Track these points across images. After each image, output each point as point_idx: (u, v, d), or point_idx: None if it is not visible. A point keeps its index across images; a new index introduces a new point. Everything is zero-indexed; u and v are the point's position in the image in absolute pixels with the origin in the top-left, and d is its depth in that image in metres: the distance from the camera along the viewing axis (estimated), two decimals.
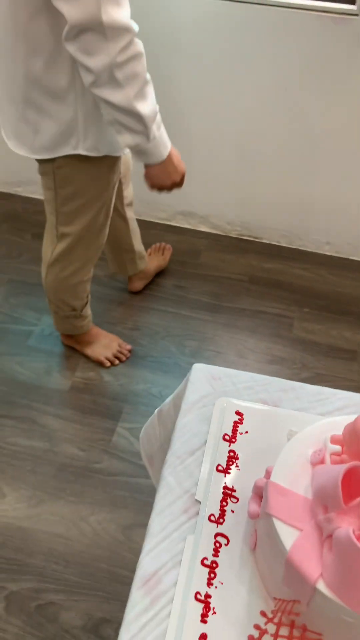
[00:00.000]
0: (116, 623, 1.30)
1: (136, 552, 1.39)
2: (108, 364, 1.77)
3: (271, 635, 0.59)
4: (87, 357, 1.79)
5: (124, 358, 1.79)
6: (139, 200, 1.86)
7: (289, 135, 1.92)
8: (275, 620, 0.59)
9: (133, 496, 1.50)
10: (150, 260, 2.01)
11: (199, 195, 2.16)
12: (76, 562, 1.39)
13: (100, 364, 1.77)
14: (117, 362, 1.78)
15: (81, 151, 1.23)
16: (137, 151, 1.14)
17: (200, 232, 2.24)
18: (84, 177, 1.31)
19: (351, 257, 2.15)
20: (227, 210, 2.17)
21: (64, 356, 1.81)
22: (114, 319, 1.92)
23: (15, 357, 1.80)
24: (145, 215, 2.23)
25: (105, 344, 1.78)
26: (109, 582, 1.36)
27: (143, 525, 1.44)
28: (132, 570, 1.35)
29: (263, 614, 0.61)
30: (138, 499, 1.49)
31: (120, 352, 1.79)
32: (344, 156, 1.92)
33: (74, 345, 1.80)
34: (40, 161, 1.31)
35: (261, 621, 0.61)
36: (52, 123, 1.18)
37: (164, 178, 1.21)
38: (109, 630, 1.29)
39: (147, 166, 1.21)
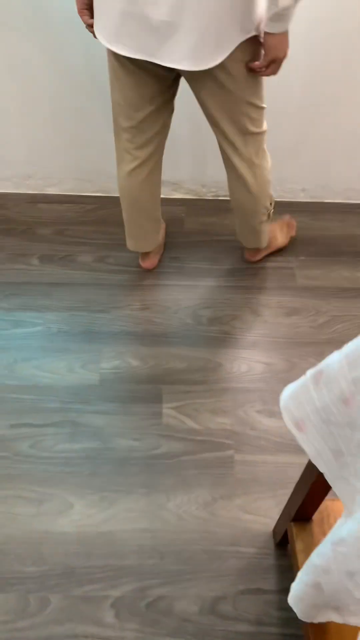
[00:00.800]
0: (231, 598, 1.28)
1: (226, 526, 1.38)
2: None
3: None
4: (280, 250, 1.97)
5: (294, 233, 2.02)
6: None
7: None
8: None
9: (203, 472, 1.47)
10: None
11: (165, 163, 2.09)
12: (170, 551, 1.35)
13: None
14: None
15: (252, 32, 1.25)
16: (283, 15, 1.19)
17: (176, 199, 2.18)
18: (251, 57, 1.32)
19: (326, 200, 2.19)
20: (198, 173, 2.13)
21: (81, 350, 1.71)
22: (119, 302, 1.84)
23: (31, 362, 1.68)
24: None
25: (281, 228, 1.97)
26: (210, 561, 1.34)
27: (223, 497, 1.43)
28: (228, 544, 1.35)
29: None
30: (209, 474, 1.46)
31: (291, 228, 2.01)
32: (307, 99, 1.92)
33: (264, 253, 1.95)
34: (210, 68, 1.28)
35: None
36: (235, 16, 1.19)
37: (282, 48, 1.28)
38: (227, 607, 1.27)
39: (270, 38, 1.25)
